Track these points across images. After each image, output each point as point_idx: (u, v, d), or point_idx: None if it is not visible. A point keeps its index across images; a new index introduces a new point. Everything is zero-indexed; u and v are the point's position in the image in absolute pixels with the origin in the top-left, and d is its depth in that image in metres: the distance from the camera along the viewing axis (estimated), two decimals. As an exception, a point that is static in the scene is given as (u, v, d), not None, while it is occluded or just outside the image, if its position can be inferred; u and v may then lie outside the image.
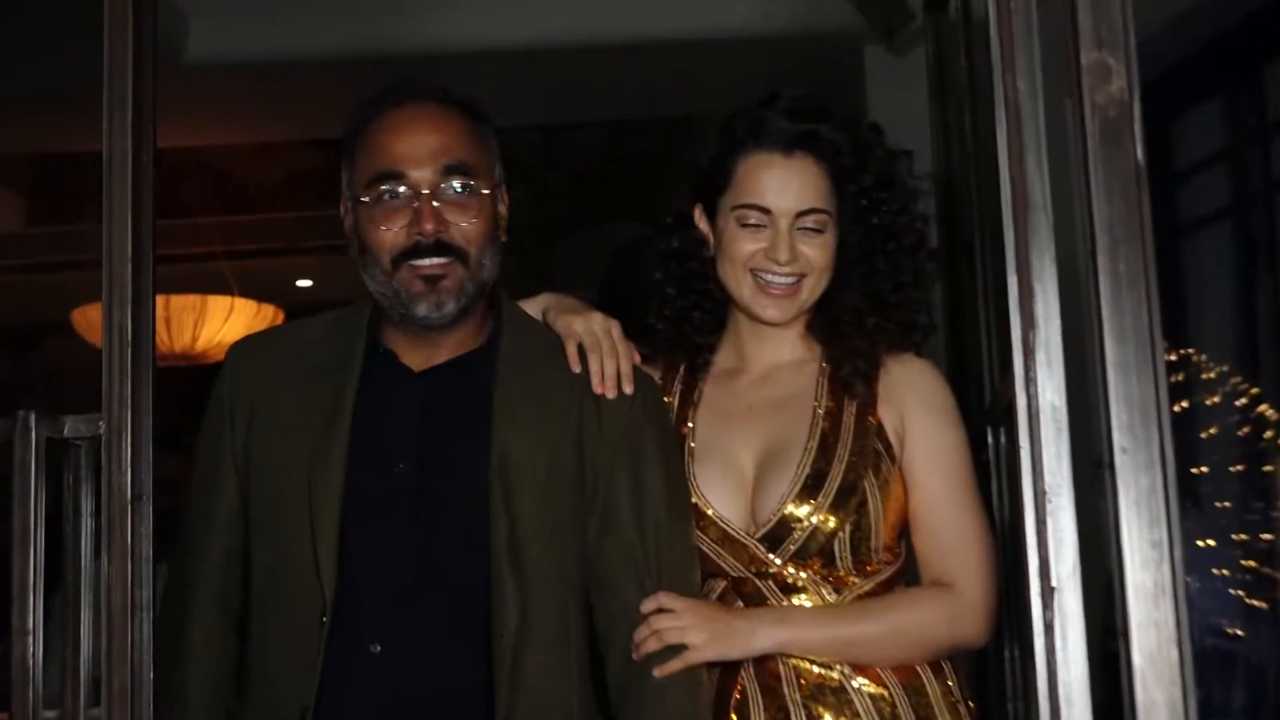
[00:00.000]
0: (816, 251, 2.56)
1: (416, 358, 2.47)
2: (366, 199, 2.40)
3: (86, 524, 2.25)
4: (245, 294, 7.70)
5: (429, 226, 2.36)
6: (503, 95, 5.68)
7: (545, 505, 2.38)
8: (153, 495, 2.20)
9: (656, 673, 2.36)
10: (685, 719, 2.38)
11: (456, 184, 2.39)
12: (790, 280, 2.56)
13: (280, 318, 7.67)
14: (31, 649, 2.19)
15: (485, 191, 2.41)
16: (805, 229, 2.55)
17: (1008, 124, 2.29)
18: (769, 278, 2.56)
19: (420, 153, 2.38)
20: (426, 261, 2.37)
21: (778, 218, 2.54)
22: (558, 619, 2.38)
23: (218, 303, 7.56)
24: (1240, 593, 4.91)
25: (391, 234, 2.38)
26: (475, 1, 5.57)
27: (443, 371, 2.46)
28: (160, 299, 7.37)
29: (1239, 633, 4.94)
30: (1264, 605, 4.94)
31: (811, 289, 2.58)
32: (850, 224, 2.59)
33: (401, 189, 2.38)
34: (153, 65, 2.33)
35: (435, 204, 2.37)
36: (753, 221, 2.56)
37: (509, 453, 2.38)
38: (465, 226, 2.38)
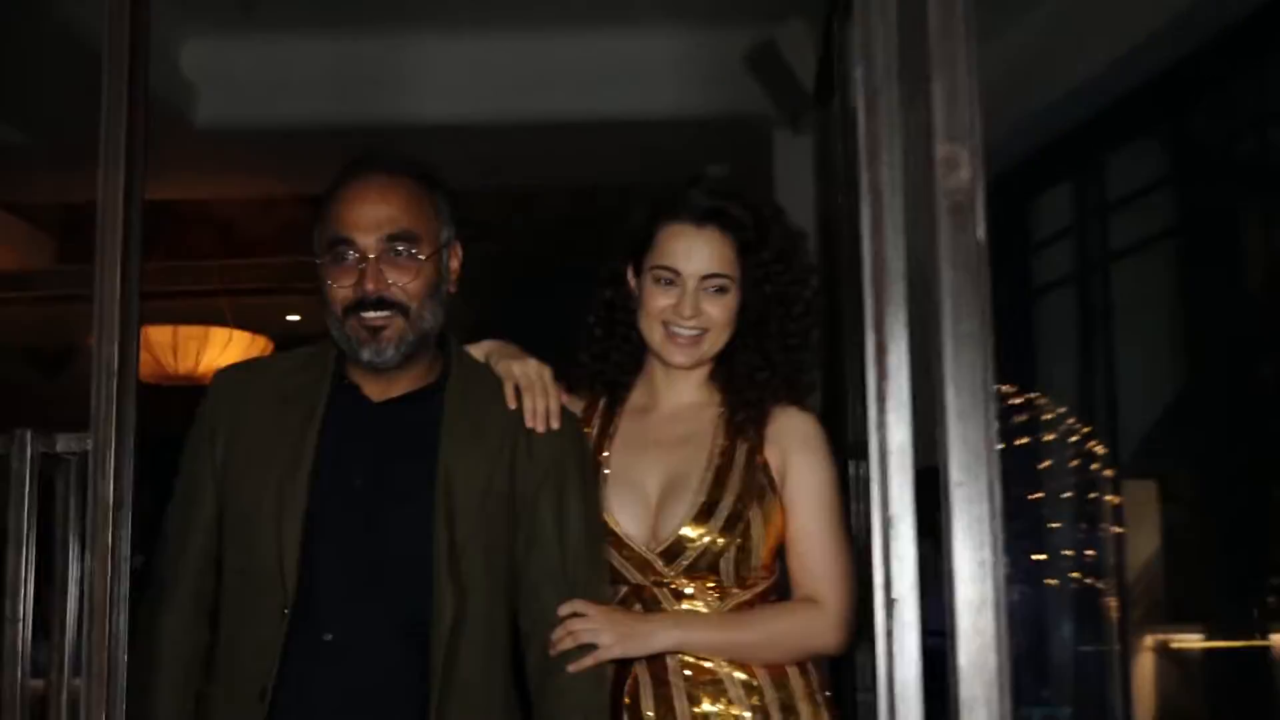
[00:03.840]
0: (718, 310, 2.57)
1: (375, 390, 2.46)
2: (323, 260, 2.41)
3: (74, 527, 2.23)
4: (242, 326, 7.69)
5: (370, 286, 2.36)
6: (471, 162, 5.73)
7: (481, 521, 2.38)
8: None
9: (570, 668, 2.38)
10: (591, 707, 2.40)
11: (397, 249, 2.38)
12: (694, 332, 2.57)
13: (271, 347, 7.68)
14: (21, 634, 2.17)
15: (423, 256, 2.40)
16: (709, 290, 2.56)
17: (870, 208, 2.29)
18: (676, 329, 2.58)
19: (366, 222, 2.37)
20: (370, 314, 2.37)
21: (686, 279, 2.56)
22: (487, 620, 2.38)
23: (218, 333, 7.57)
24: (1066, 599, 4.95)
25: (342, 290, 2.39)
26: (450, 82, 5.59)
27: (398, 403, 2.46)
28: (169, 329, 7.45)
29: (1065, 633, 4.99)
30: (1088, 609, 4.99)
31: (713, 341, 2.60)
32: (749, 290, 2.60)
33: (350, 253, 2.38)
34: (143, 126, 2.31)
35: (380, 266, 2.37)
36: (665, 280, 2.57)
37: (452, 475, 2.38)
38: (405, 285, 2.38)
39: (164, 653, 2.39)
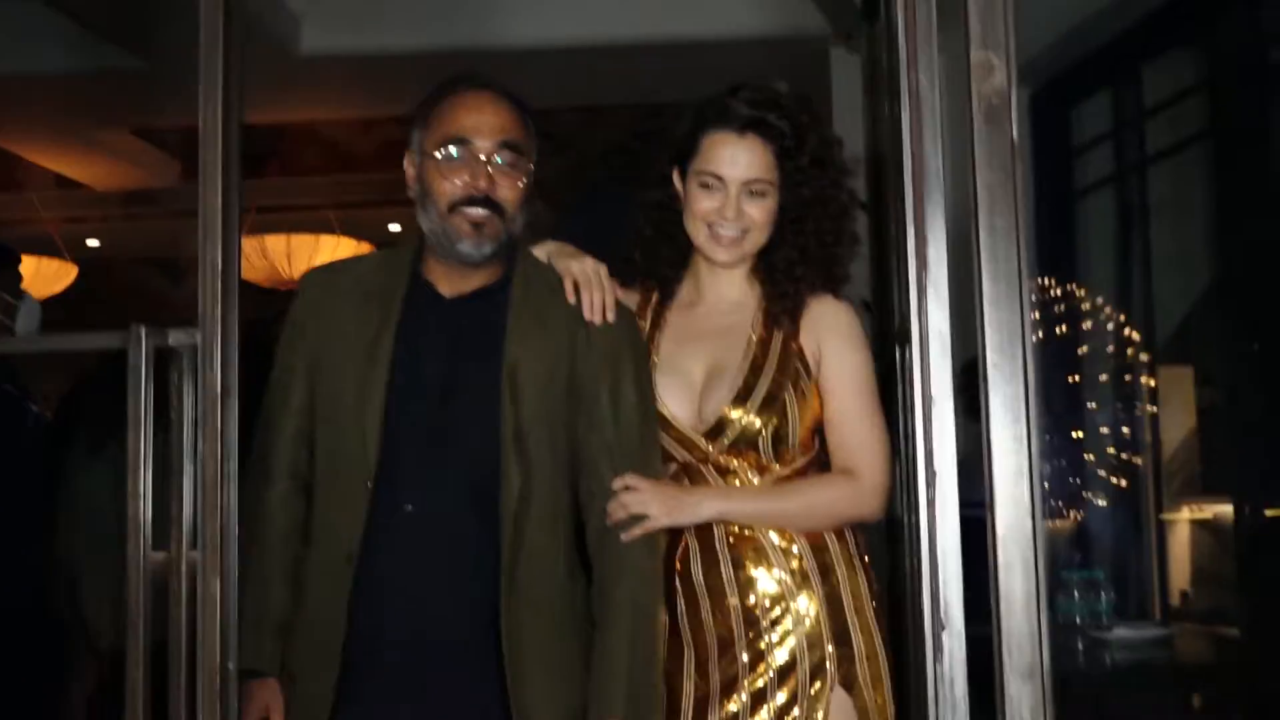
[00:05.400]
0: (758, 211, 2.55)
1: (448, 286, 2.46)
2: (437, 155, 2.40)
3: (188, 414, 2.25)
4: (348, 234, 7.74)
5: (482, 184, 2.37)
6: (548, 82, 5.71)
7: (543, 405, 2.39)
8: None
9: (624, 537, 2.38)
10: (644, 571, 2.41)
11: (507, 155, 2.39)
12: (736, 232, 2.55)
13: (374, 253, 7.71)
14: (141, 508, 2.20)
15: (531, 165, 2.42)
16: (750, 193, 2.54)
17: (910, 110, 2.25)
18: (720, 229, 2.55)
19: (485, 127, 2.38)
20: (476, 211, 2.38)
21: (729, 184, 2.53)
22: (551, 493, 2.39)
23: (327, 241, 7.65)
24: (1104, 473, 4.92)
25: (451, 185, 2.39)
26: (529, 9, 5.56)
27: (469, 298, 2.46)
28: (284, 238, 7.51)
29: (1102, 503, 4.97)
30: (1124, 482, 4.96)
31: (754, 240, 2.57)
32: (788, 192, 2.57)
33: (465, 152, 2.38)
34: (238, 52, 2.30)
35: (489, 168, 2.37)
36: (710, 185, 2.55)
37: (517, 362, 2.38)
38: (509, 189, 2.39)
39: (265, 523, 2.42)
